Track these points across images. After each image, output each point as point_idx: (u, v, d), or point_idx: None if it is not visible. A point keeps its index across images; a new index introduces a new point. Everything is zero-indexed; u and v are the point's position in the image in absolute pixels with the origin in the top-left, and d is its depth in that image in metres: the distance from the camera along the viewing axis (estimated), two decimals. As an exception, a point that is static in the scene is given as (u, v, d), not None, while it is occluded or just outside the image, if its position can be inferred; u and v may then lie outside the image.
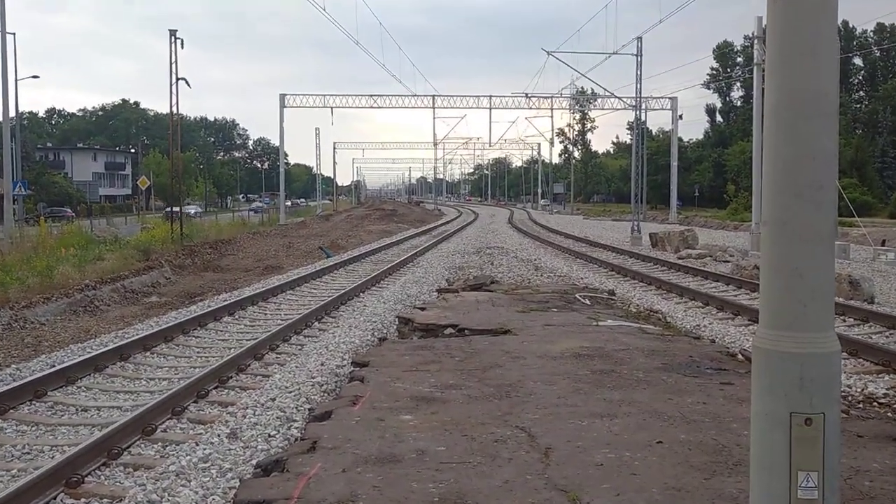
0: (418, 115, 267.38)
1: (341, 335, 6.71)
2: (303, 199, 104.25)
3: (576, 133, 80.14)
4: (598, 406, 3.65)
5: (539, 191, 67.47)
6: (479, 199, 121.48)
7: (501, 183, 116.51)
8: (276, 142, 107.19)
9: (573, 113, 65.37)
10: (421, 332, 6.00)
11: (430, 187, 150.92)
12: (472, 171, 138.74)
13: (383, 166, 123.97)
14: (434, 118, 42.51)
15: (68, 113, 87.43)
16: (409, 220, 37.46)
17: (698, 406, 3.64)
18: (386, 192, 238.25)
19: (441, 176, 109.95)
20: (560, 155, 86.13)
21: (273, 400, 4.48)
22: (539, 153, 69.27)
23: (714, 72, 63.12)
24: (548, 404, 3.68)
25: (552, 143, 54.04)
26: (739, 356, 4.95)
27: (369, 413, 3.56)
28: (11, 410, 4.58)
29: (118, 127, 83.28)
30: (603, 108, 41.14)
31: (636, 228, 21.38)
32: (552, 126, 51.14)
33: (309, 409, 4.24)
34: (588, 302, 7.63)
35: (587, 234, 24.92)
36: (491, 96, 39.48)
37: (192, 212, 46.48)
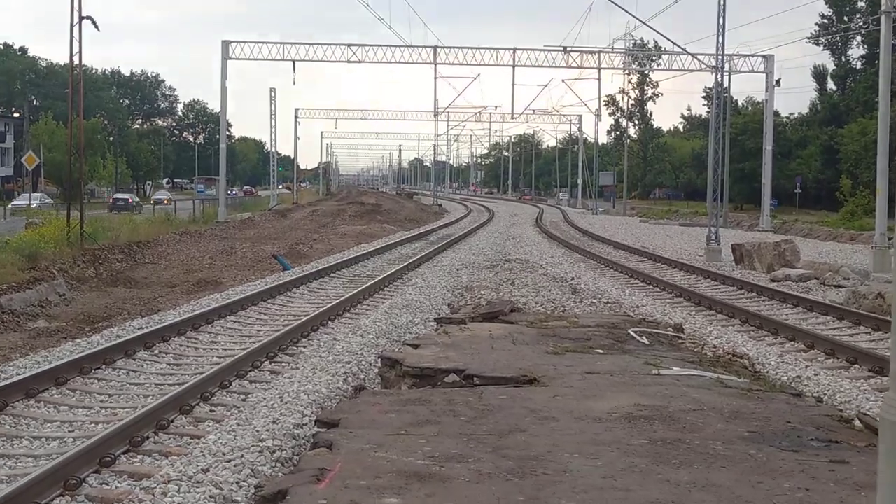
0: (414, 74, 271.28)
1: (302, 381, 6.68)
2: (249, 187, 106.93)
3: (632, 102, 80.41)
4: (659, 491, 3.50)
5: (579, 181, 67.82)
6: (493, 192, 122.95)
7: (527, 170, 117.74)
8: (214, 107, 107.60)
9: (628, 75, 65.19)
10: (413, 380, 5.98)
11: (429, 174, 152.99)
12: (486, 152, 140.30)
13: (363, 143, 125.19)
14: (435, 78, 42.23)
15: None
16: (399, 220, 37.80)
17: (799, 494, 3.51)
18: (366, 178, 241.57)
19: (444, 158, 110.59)
20: (609, 132, 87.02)
21: (205, 472, 4.40)
22: (580, 129, 69.87)
23: (825, 21, 55.18)
24: (589, 487, 3.54)
25: (598, 116, 54.40)
26: (857, 423, 4.85)
27: (340, 495, 3.41)
28: None
29: (-5, 81, 77.40)
30: (670, 69, 40.62)
31: (714, 237, 21.18)
32: (599, 92, 51.26)
33: (255, 487, 4.15)
34: (646, 341, 7.67)
35: (645, 244, 25.13)
36: (515, 49, 38.80)
37: (163, 198, 50.18)
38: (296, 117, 66.43)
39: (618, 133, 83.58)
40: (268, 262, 18.39)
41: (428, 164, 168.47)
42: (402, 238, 25.64)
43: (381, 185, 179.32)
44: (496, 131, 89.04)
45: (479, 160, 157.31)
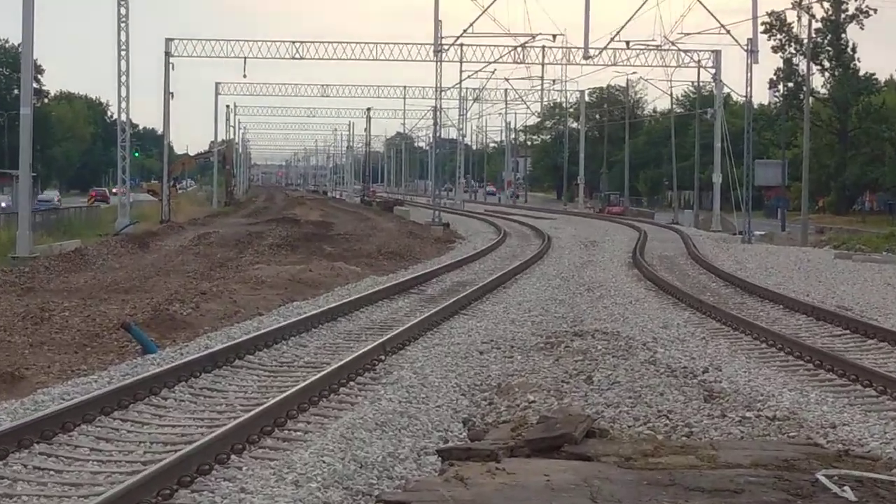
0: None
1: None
2: (102, 190, 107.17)
3: (817, 26, 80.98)
4: None
5: (716, 178, 67.98)
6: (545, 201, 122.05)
7: (615, 154, 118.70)
8: (15, 37, 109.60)
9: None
10: None
11: (424, 164, 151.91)
12: (535, 120, 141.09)
13: (301, 107, 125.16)
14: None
15: None
16: (366, 255, 38.27)
17: None
18: (307, 171, 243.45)
19: (457, 134, 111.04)
20: (773, 84, 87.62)
21: None
22: (717, 78, 70.36)
23: None
24: None
25: (752, 52, 54.60)
26: None
27: None
28: None
29: None
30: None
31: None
32: (754, 7, 51.29)
33: None
34: (852, 496, 7.66)
35: (846, 304, 25.14)
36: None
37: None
38: (167, 54, 66.97)
39: (790, 86, 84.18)
40: (113, 338, 18.44)
41: (424, 142, 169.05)
42: (371, 290, 25.79)
43: (335, 185, 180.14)
44: (554, 82, 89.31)
45: (523, 137, 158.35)
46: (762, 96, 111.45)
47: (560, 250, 43.45)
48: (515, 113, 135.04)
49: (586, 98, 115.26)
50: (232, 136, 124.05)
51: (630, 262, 37.31)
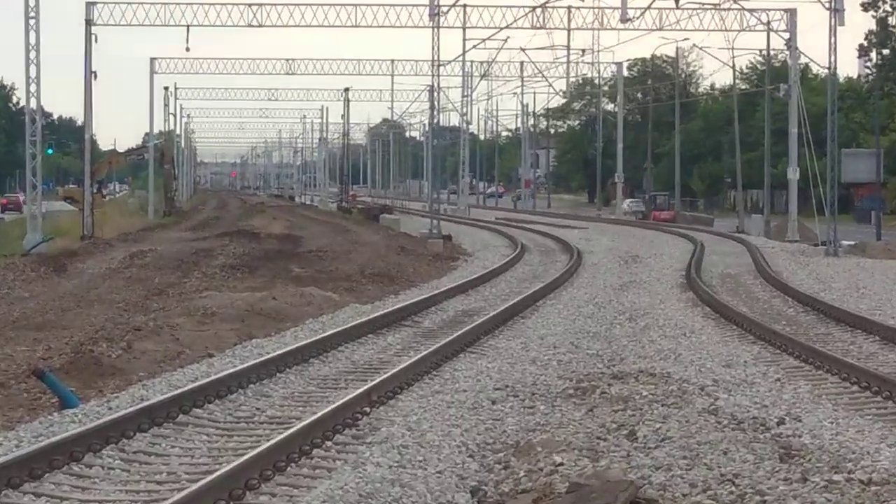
0: None
1: None
2: (15, 195, 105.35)
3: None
4: None
5: (792, 175, 67.91)
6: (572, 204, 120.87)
7: (663, 144, 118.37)
8: None
9: None
10: None
11: (419, 158, 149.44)
12: (560, 101, 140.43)
13: (261, 88, 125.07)
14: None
15: None
16: (345, 277, 38.19)
17: None
18: (268, 170, 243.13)
19: (460, 120, 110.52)
20: (863, 51, 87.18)
21: None
22: (792, 45, 70.12)
23: None
24: None
25: (837, 14, 54.56)
26: None
27: None
28: None
29: None
30: None
31: None
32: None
33: None
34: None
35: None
36: None
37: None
38: (88, 22, 66.91)
39: (885, 54, 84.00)
40: (22, 388, 18.40)
41: (418, 134, 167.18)
42: (352, 322, 25.80)
43: (301, 188, 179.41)
44: (584, 53, 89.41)
45: (545, 123, 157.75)
46: (850, 67, 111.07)
47: (593, 268, 43.40)
48: (535, 92, 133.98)
49: (625, 72, 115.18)
50: (172, 128, 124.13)
51: (683, 283, 37.27)
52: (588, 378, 18.56)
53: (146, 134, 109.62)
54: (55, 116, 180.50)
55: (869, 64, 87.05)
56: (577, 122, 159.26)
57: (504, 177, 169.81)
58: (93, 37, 65.84)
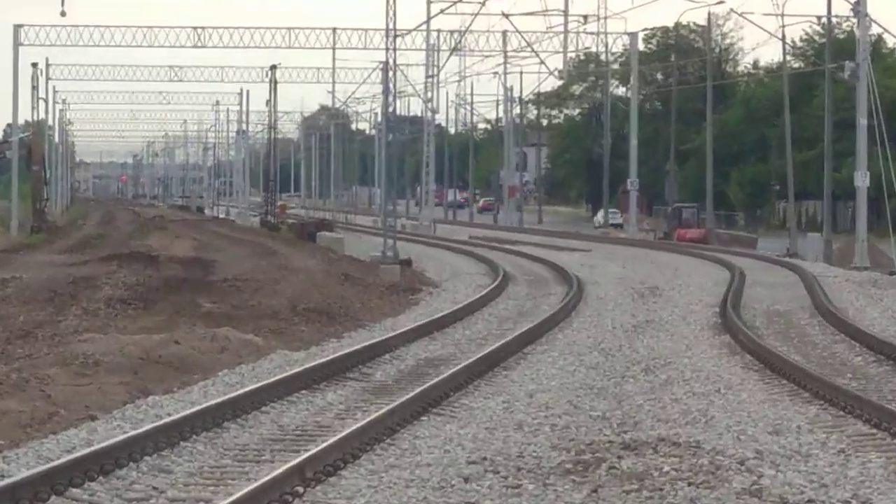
0: None
1: None
2: None
3: None
4: None
5: (861, 181, 68.27)
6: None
7: (690, 140, 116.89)
8: None
9: None
10: None
11: (368, 159, 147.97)
12: (551, 89, 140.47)
13: (160, 66, 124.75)
14: None
15: None
16: (272, 314, 38.16)
17: None
18: (170, 173, 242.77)
19: (423, 108, 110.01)
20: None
21: None
22: (862, 11, 70.52)
23: None
24: None
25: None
26: None
27: None
28: None
29: None
30: None
31: None
32: None
33: None
34: None
35: None
36: None
37: None
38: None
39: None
40: None
41: (368, 126, 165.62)
42: (281, 374, 25.85)
43: (214, 196, 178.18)
44: (587, 20, 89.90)
45: (535, 112, 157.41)
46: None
47: (599, 304, 43.50)
48: (522, 72, 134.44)
49: (640, 46, 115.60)
50: (43, 117, 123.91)
51: (717, 324, 37.37)
52: (591, 448, 18.56)
53: (8, 125, 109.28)
54: None
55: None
56: (578, 110, 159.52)
57: (482, 182, 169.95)
58: None
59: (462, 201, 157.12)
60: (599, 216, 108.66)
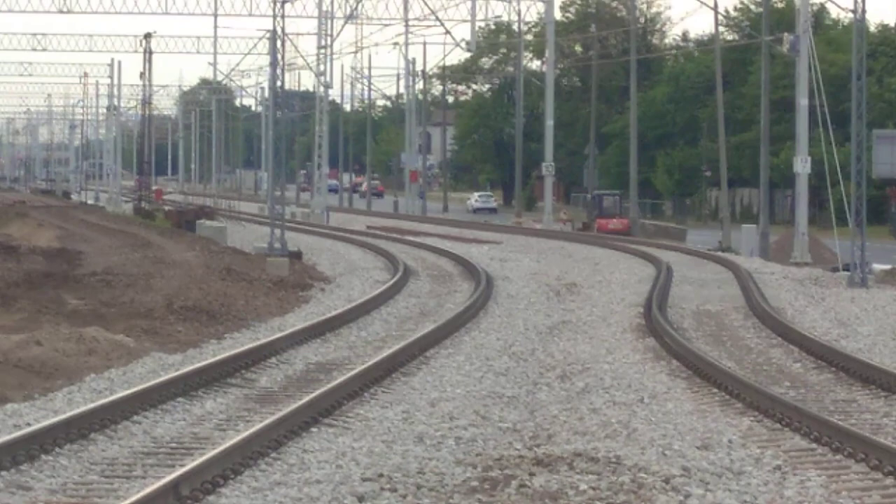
0: None
1: None
2: None
3: None
4: None
5: (801, 166, 68.89)
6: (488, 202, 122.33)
7: (612, 121, 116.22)
8: None
9: None
10: None
11: (256, 137, 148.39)
12: (458, 62, 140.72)
13: (19, 34, 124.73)
14: None
15: None
16: (146, 313, 38.26)
17: None
18: (32, 154, 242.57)
19: (316, 83, 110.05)
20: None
21: None
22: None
23: None
24: None
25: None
26: None
27: None
28: None
29: None
30: None
31: None
32: None
33: None
34: None
35: None
36: None
37: None
38: None
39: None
40: None
41: (254, 103, 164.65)
42: (155, 379, 25.85)
43: (81, 180, 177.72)
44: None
45: (440, 88, 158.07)
46: (884, 12, 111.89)
47: (510, 302, 43.67)
48: (425, 43, 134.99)
49: (557, 15, 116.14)
50: None
51: (640, 325, 37.62)
52: (500, 464, 18.62)
53: None
54: None
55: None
56: (488, 86, 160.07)
57: (381, 166, 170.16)
58: None
59: (355, 186, 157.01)
60: (472, 200, 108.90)
